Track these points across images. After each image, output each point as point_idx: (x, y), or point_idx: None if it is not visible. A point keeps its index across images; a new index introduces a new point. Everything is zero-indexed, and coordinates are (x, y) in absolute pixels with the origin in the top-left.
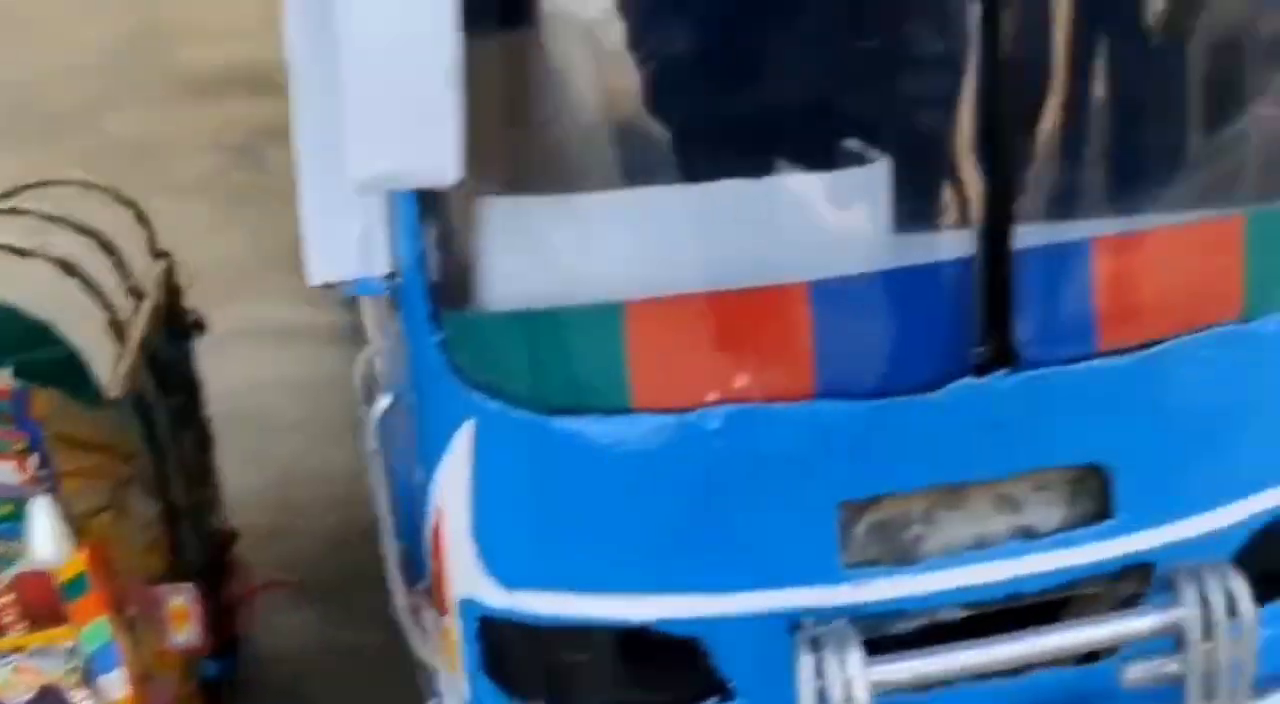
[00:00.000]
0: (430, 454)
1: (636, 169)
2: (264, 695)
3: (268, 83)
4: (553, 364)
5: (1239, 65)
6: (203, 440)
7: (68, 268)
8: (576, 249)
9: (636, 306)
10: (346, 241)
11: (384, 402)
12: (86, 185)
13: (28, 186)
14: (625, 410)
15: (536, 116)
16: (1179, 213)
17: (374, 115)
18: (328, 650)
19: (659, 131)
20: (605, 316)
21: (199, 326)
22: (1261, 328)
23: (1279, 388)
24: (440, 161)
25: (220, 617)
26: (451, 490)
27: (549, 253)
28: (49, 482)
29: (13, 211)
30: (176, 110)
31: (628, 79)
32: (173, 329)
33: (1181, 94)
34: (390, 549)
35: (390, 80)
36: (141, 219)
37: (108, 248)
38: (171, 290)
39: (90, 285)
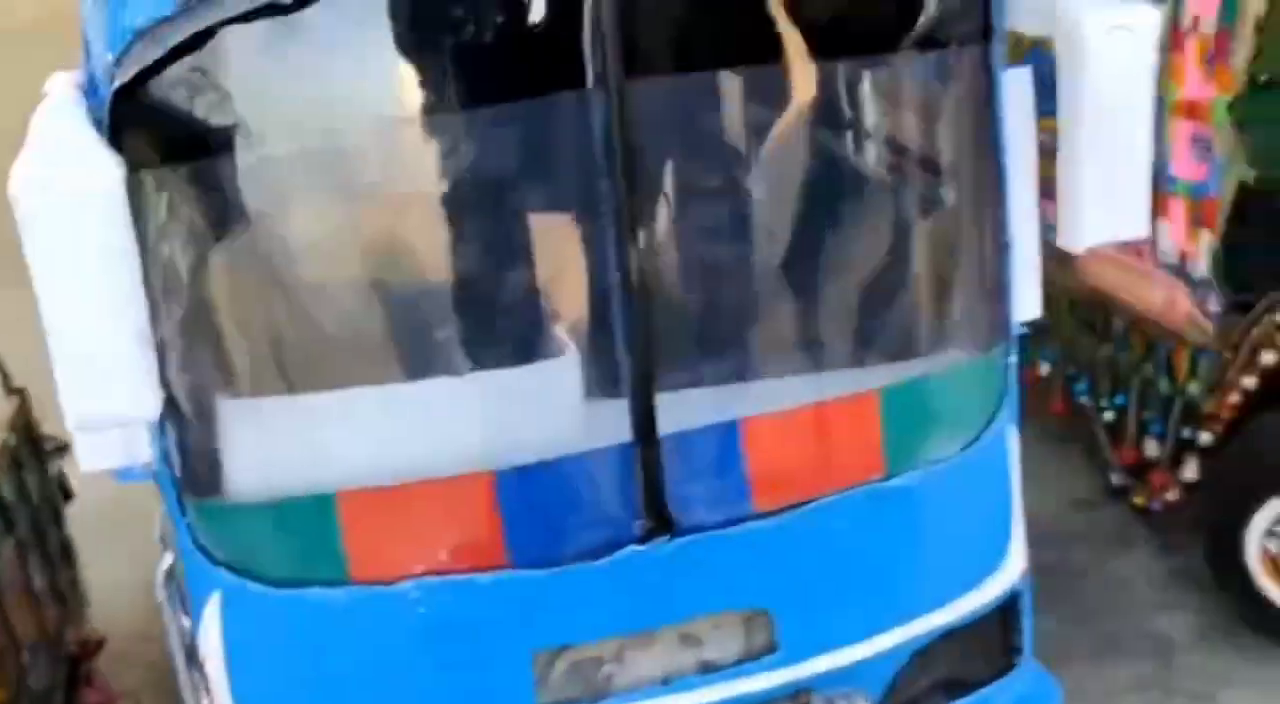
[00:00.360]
0: (194, 614)
1: (348, 372)
2: None
3: None
4: (281, 545)
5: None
6: (66, 555)
7: None
8: (296, 445)
9: (347, 495)
10: (110, 435)
11: (167, 560)
12: None
13: None
14: (344, 583)
15: (253, 330)
16: (818, 390)
17: (77, 372)
18: None
19: (367, 338)
20: (321, 505)
21: (60, 450)
22: (901, 483)
23: (919, 532)
24: (140, 402)
25: None
26: (209, 648)
27: (272, 448)
28: None
29: None
30: None
31: (332, 294)
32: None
33: (810, 293)
34: (184, 684)
35: (87, 345)
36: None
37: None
38: (29, 424)
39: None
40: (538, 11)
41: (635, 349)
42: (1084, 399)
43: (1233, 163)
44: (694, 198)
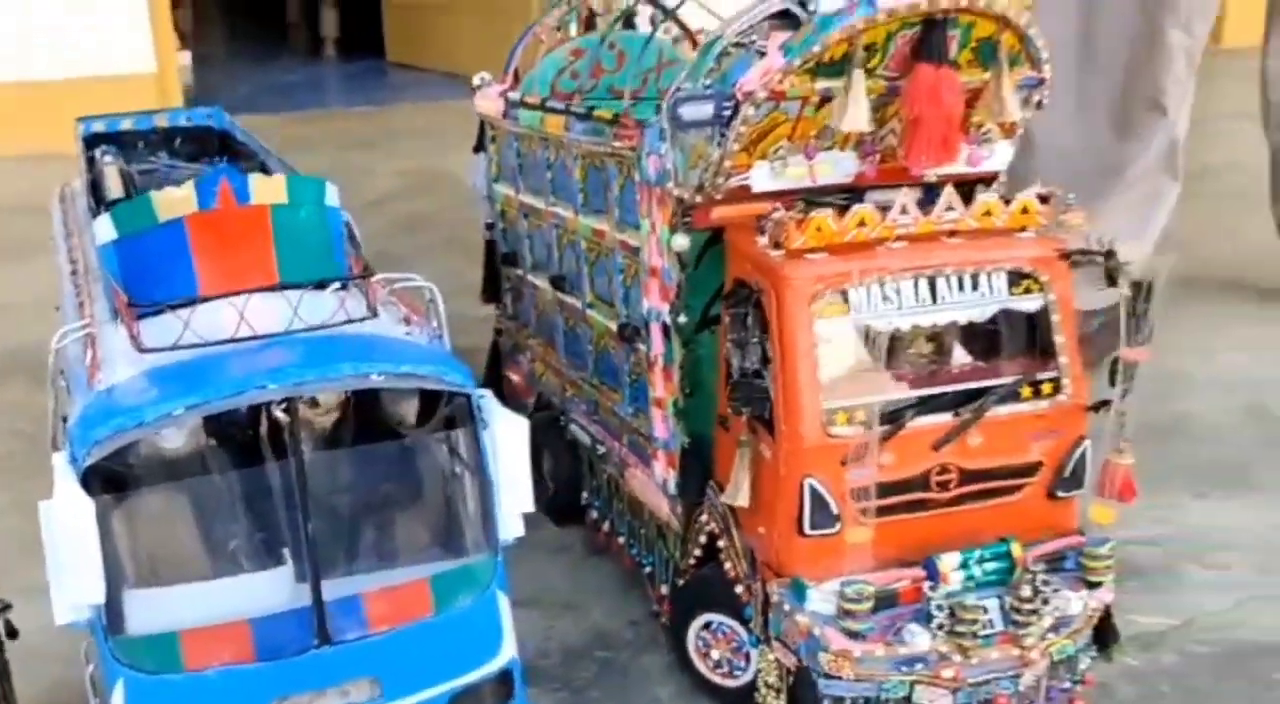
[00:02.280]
0: (108, 694)
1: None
2: None
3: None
4: (151, 656)
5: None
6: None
7: None
8: (157, 610)
9: (185, 631)
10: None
11: (90, 669)
12: None
13: None
14: (183, 671)
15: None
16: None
17: (68, 588)
18: None
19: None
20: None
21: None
22: (437, 619)
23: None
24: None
25: None
26: None
27: (147, 614)
28: None
29: None
30: None
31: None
32: None
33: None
34: None
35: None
36: None
37: None
38: None
39: None
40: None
41: (311, 568)
42: (638, 559)
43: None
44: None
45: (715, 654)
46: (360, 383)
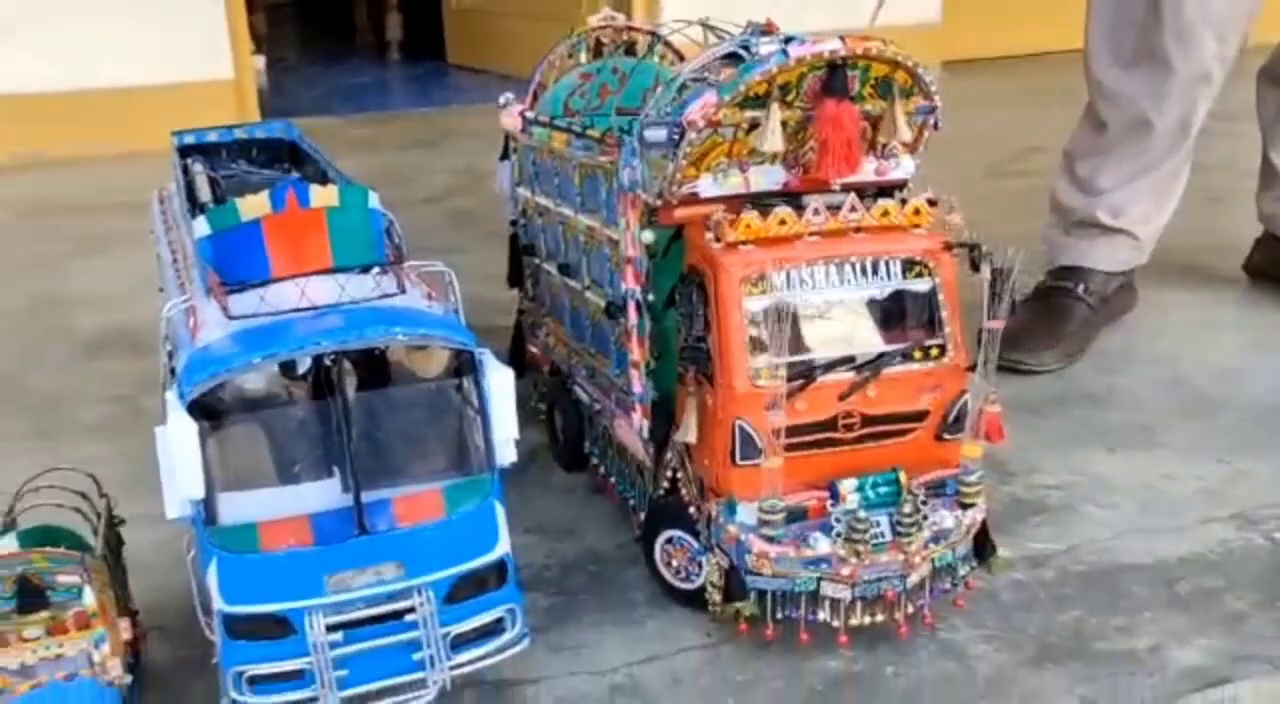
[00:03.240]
0: (204, 568)
1: (262, 481)
2: None
3: (140, 344)
4: (237, 540)
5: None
6: (118, 558)
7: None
8: (241, 506)
9: (263, 523)
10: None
11: (190, 554)
12: (64, 469)
13: (42, 473)
14: (259, 552)
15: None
16: (421, 484)
17: (177, 487)
18: None
19: (267, 468)
20: (252, 527)
21: (120, 522)
22: (449, 518)
23: (453, 534)
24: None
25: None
26: (213, 580)
27: (235, 508)
28: (87, 575)
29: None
30: (76, 368)
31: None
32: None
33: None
34: (198, 600)
35: (174, 467)
36: (98, 488)
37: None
38: (109, 507)
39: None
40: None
41: (353, 478)
42: (624, 494)
43: None
44: (359, 425)
45: (675, 563)
46: (388, 341)
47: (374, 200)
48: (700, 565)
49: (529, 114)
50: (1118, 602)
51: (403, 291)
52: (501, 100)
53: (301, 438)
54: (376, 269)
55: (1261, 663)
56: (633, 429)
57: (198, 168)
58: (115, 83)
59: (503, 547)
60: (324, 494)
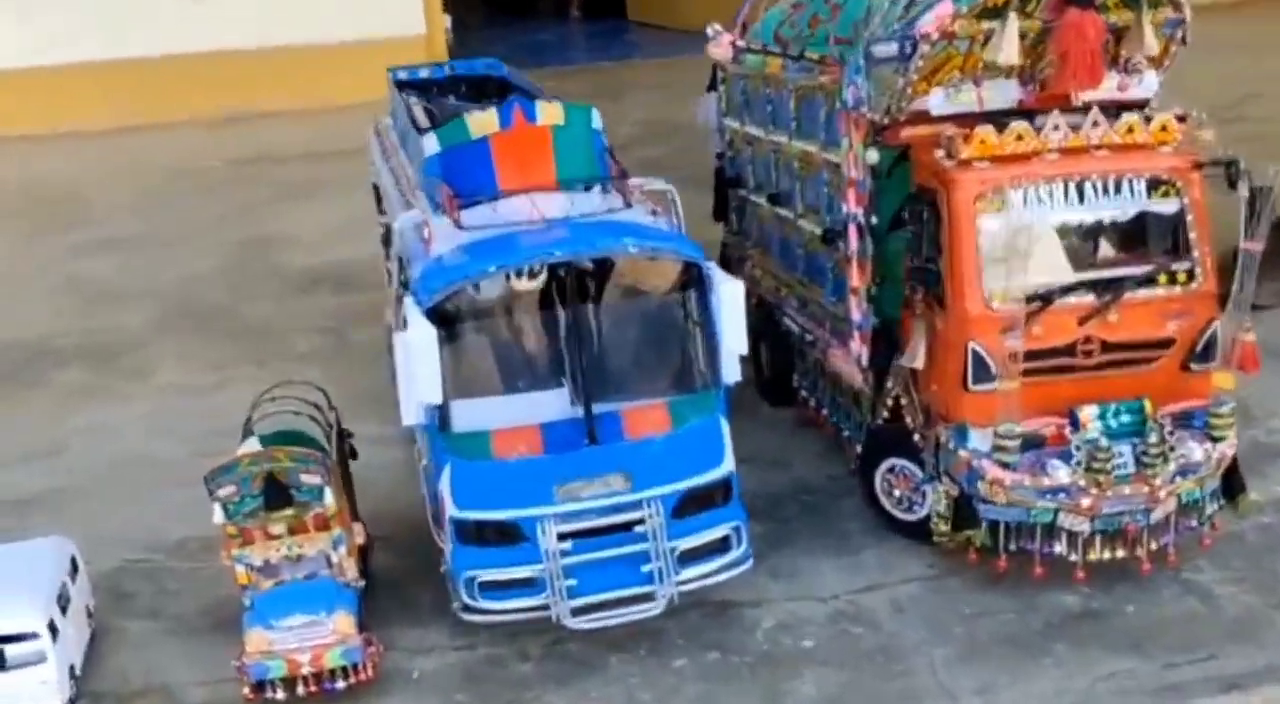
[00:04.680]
0: (437, 478)
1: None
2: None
3: (346, 281)
4: (470, 445)
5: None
6: (347, 469)
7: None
8: (475, 414)
9: (496, 431)
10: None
11: (422, 463)
12: (296, 382)
13: (278, 385)
14: (490, 458)
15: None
16: (650, 398)
17: (416, 392)
18: None
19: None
20: (485, 434)
21: (350, 436)
22: (677, 431)
23: (684, 444)
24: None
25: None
26: (445, 486)
27: (469, 414)
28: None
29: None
30: (286, 303)
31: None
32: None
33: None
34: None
35: (414, 373)
36: (328, 400)
37: (328, 404)
38: (339, 421)
39: (318, 422)
40: None
41: (585, 389)
42: (836, 425)
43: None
44: (591, 337)
45: (897, 493)
46: (620, 252)
47: (596, 120)
48: (924, 495)
49: (740, 43)
50: None
51: (629, 207)
52: (710, 31)
53: (532, 348)
54: (599, 186)
55: None
56: (850, 358)
57: (413, 99)
58: (312, 39)
59: (728, 463)
60: (553, 404)
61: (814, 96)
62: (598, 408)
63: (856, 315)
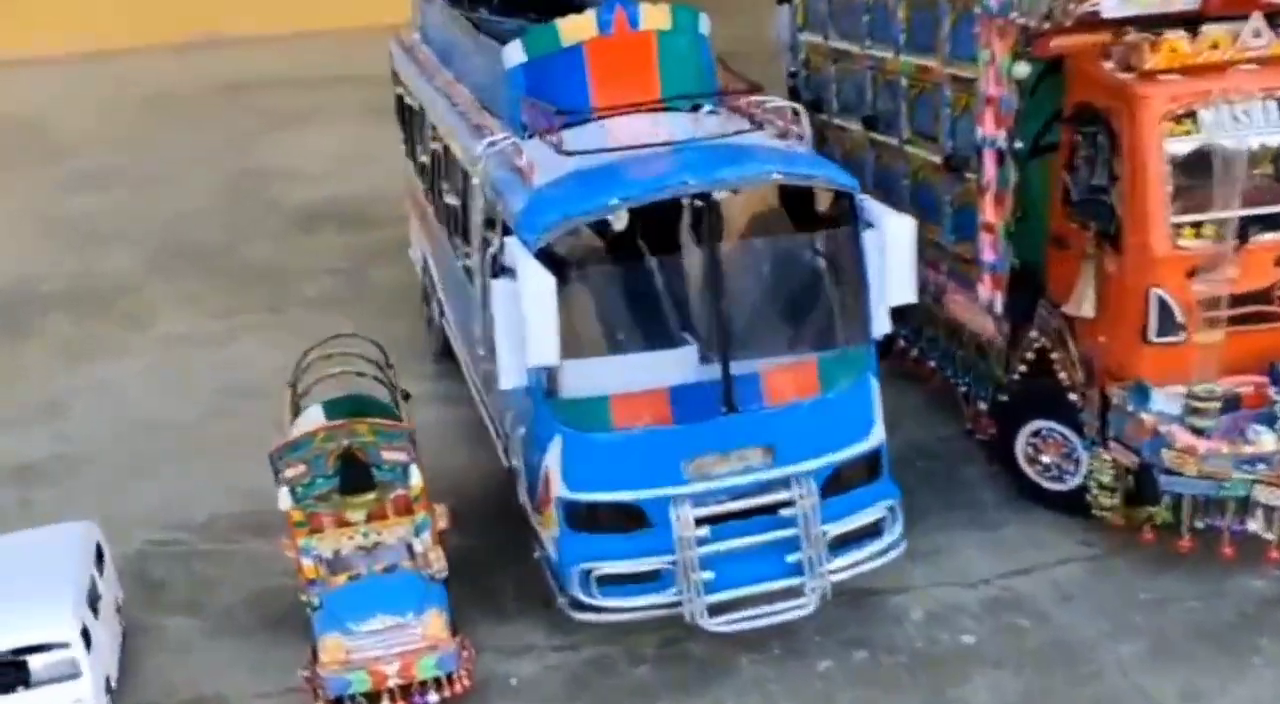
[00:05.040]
0: (541, 450)
1: (615, 346)
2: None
3: (353, 217)
4: (585, 414)
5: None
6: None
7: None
8: (593, 376)
9: (615, 396)
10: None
11: (519, 433)
12: (351, 336)
13: (336, 337)
14: (610, 430)
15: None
16: (793, 355)
17: (522, 351)
18: None
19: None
20: (603, 401)
21: (407, 396)
22: (825, 396)
23: (833, 413)
24: (550, 358)
25: None
26: (551, 463)
27: (583, 378)
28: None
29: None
30: (288, 241)
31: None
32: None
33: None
34: (521, 483)
35: (527, 322)
36: (385, 357)
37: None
38: (391, 386)
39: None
40: None
41: (721, 346)
42: (952, 380)
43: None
44: (726, 284)
45: (1045, 459)
46: (763, 180)
47: (704, 25)
48: (1077, 462)
49: None
50: None
51: (759, 127)
52: None
53: (656, 298)
54: (709, 103)
55: None
56: (977, 305)
57: (453, 11)
58: None
59: (878, 432)
60: (680, 364)
61: (934, 3)
62: (737, 367)
63: (990, 255)
